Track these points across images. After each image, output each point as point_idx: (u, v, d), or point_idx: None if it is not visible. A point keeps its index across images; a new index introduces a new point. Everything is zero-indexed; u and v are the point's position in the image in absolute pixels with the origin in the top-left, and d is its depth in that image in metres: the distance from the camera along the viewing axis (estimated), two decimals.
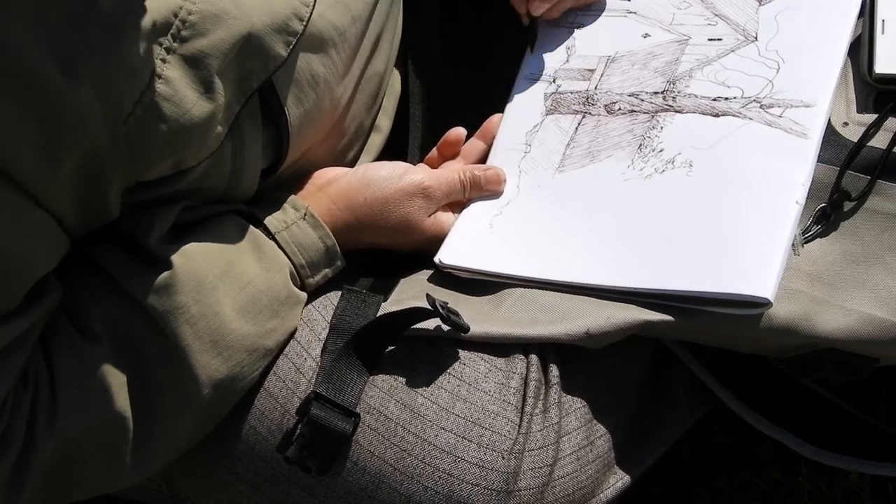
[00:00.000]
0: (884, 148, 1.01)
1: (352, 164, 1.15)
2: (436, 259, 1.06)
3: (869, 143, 1.02)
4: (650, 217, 1.03)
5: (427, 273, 1.08)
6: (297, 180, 1.07)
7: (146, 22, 0.84)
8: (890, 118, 1.03)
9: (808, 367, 1.02)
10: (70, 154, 0.83)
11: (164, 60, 0.86)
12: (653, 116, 1.09)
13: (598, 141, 1.10)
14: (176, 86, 0.86)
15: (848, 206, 1.02)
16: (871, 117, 1.04)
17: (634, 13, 1.17)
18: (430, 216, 1.08)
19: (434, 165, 1.14)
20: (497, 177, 1.11)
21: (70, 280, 0.94)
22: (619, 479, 1.04)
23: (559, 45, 1.18)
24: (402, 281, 1.07)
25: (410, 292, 1.04)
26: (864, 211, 1.01)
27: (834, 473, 1.20)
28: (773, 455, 1.22)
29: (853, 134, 1.03)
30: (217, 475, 1.00)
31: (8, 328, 0.87)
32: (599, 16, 1.19)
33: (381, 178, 1.06)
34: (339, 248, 1.03)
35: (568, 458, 1.01)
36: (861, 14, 1.09)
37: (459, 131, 1.15)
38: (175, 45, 0.86)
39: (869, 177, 1.01)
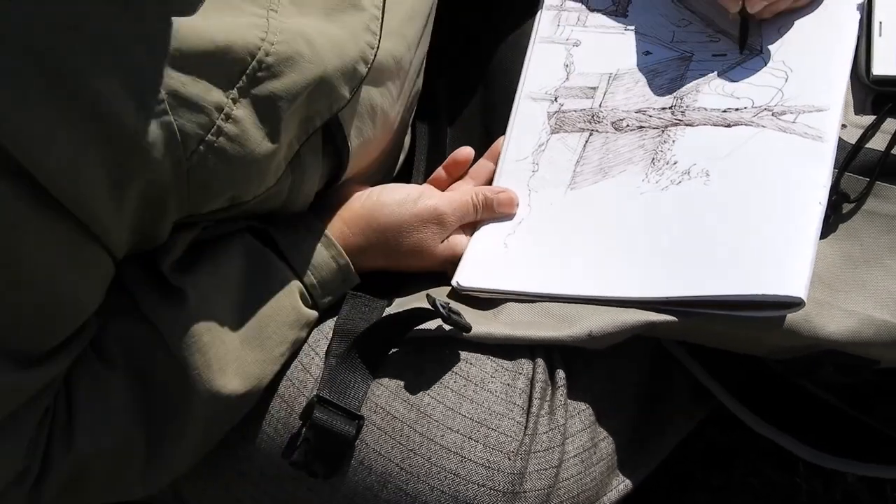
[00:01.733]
0: (882, 150, 1.02)
1: (385, 178, 1.14)
2: (453, 282, 1.05)
3: (867, 145, 1.02)
4: (671, 227, 1.02)
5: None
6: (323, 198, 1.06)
7: (222, 62, 0.84)
8: (888, 120, 1.03)
9: (808, 368, 1.02)
10: (133, 190, 0.83)
11: (235, 101, 0.85)
12: (663, 131, 1.08)
13: (609, 157, 1.09)
14: (244, 126, 0.86)
15: (846, 208, 1.02)
16: (869, 119, 1.04)
17: (633, 30, 1.16)
18: (442, 242, 1.07)
19: (441, 186, 1.13)
20: (510, 200, 1.09)
21: None
22: (622, 482, 1.04)
23: (557, 63, 1.16)
24: (397, 301, 1.06)
25: (413, 297, 1.04)
26: (862, 213, 1.02)
27: (832, 474, 1.20)
28: (771, 456, 1.22)
29: (851, 136, 1.03)
30: (221, 474, 1.00)
31: (44, 370, 0.87)
32: (597, 34, 1.17)
33: (395, 202, 1.05)
34: (352, 267, 1.02)
35: (573, 460, 1.00)
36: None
37: (467, 151, 1.13)
38: (249, 86, 0.86)
39: (867, 179, 1.01)
